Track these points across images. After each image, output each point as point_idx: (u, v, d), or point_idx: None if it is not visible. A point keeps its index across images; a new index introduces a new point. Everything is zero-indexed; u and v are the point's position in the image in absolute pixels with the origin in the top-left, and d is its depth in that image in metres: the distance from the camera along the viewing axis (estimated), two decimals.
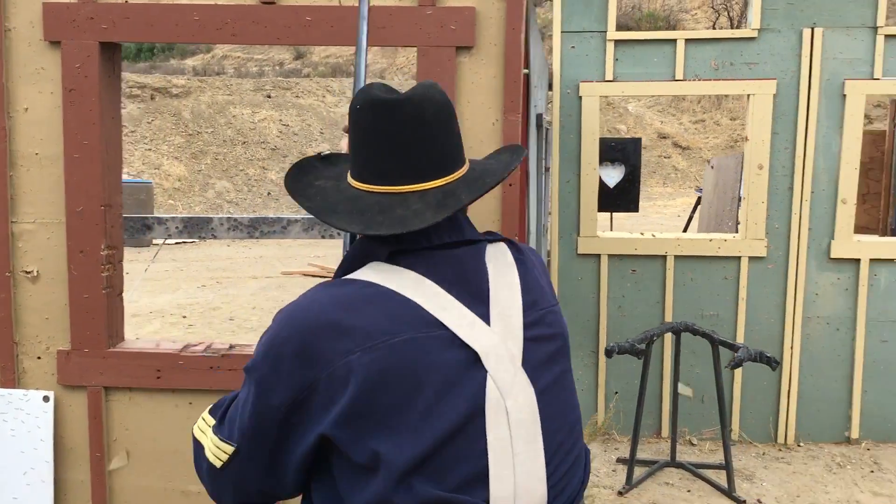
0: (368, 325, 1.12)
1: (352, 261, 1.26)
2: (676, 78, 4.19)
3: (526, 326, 1.23)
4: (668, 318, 4.36)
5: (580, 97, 4.23)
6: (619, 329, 4.41)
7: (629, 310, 4.41)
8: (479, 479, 1.13)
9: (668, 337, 4.31)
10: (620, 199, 6.86)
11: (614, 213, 7.34)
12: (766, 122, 4.14)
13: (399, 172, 1.22)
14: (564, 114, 4.26)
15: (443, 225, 1.23)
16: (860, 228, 6.81)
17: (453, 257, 1.23)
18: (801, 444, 4.34)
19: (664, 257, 4.33)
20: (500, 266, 1.27)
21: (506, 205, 1.93)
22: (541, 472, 1.19)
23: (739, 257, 4.28)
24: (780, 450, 4.28)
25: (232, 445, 1.18)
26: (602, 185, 6.91)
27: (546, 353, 1.24)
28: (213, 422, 1.24)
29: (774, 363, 3.53)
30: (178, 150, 21.01)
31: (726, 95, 23.87)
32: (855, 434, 4.30)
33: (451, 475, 1.11)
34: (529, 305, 1.25)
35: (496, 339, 1.18)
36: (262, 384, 1.15)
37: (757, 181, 4.19)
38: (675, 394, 3.91)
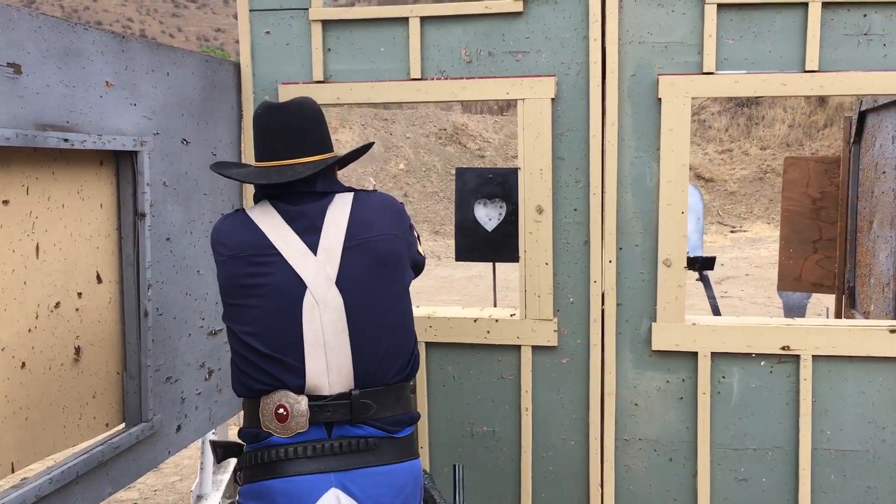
0: (233, 246, 1.94)
1: (254, 199, 2.05)
2: (413, 76, 2.78)
3: (343, 252, 1.91)
4: (423, 436, 2.91)
5: None
6: None
7: None
8: (299, 352, 1.86)
9: None
10: (503, 245, 5.40)
11: (496, 264, 5.85)
12: (543, 142, 2.70)
13: (286, 151, 1.99)
14: None
15: (300, 183, 1.97)
16: (812, 286, 5.22)
17: (302, 204, 1.96)
18: None
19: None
20: (338, 209, 1.96)
21: None
22: (347, 353, 1.88)
23: (519, 347, 2.82)
24: None
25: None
26: (479, 228, 5.48)
27: (360, 274, 1.91)
28: None
29: None
30: None
31: (708, 114, 21.99)
32: None
33: (279, 346, 1.86)
34: (350, 237, 1.93)
35: (318, 265, 1.90)
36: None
37: (536, 232, 2.74)
38: None
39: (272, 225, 1.94)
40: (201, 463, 3.43)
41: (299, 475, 1.82)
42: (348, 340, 1.88)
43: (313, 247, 1.92)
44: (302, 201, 1.97)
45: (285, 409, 1.85)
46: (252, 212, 2.00)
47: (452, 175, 19.23)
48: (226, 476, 3.57)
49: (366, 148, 2.22)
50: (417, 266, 2.13)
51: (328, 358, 1.88)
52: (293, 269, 1.89)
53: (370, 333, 1.91)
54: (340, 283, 1.90)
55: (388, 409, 1.92)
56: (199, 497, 3.39)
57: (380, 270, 1.95)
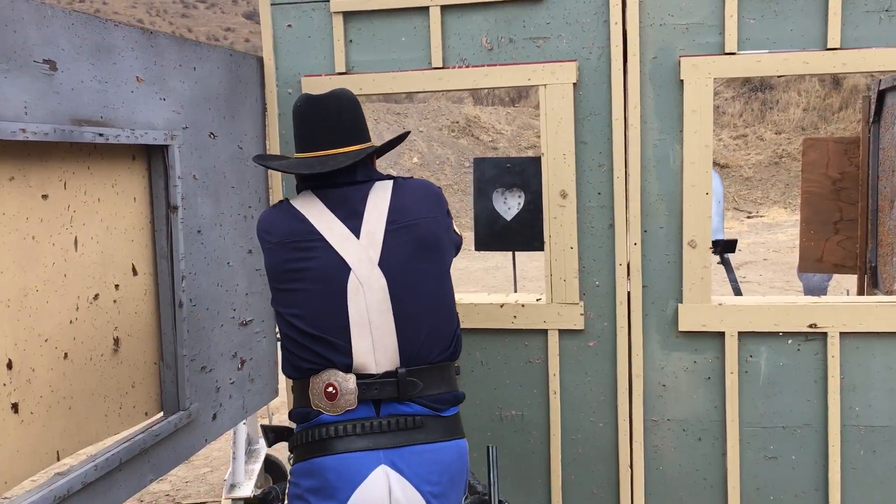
0: (279, 234, 2.01)
1: (297, 189, 2.16)
2: (434, 65, 2.81)
3: (385, 236, 1.98)
4: None
5: None
6: None
7: None
8: (345, 332, 1.93)
9: None
10: (522, 234, 5.42)
11: (517, 253, 5.88)
12: (566, 127, 2.72)
13: (327, 142, 2.06)
14: (287, 124, 2.92)
15: (341, 172, 2.04)
16: (833, 267, 5.21)
17: (343, 191, 2.04)
18: None
19: None
20: (378, 195, 2.03)
21: None
22: (391, 332, 1.94)
23: (546, 331, 2.84)
24: None
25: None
26: (499, 217, 5.51)
27: (402, 256, 1.98)
28: None
29: None
30: None
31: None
32: None
33: (325, 326, 1.93)
34: (391, 221, 1.99)
35: (360, 248, 1.96)
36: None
37: (561, 216, 2.76)
38: None
39: (316, 212, 2.02)
40: (233, 452, 3.49)
41: (349, 452, 1.88)
42: (392, 320, 1.95)
43: (356, 231, 1.99)
44: (343, 189, 2.05)
45: (334, 388, 1.92)
46: (296, 201, 2.08)
47: (466, 167, 19.24)
48: (257, 465, 3.62)
49: (402, 137, 2.29)
50: (457, 246, 2.19)
51: (374, 337, 1.94)
52: (337, 253, 1.96)
53: (413, 313, 1.97)
54: (383, 264, 1.96)
55: (434, 388, 1.98)
56: (233, 486, 3.45)
57: (421, 252, 2.01)
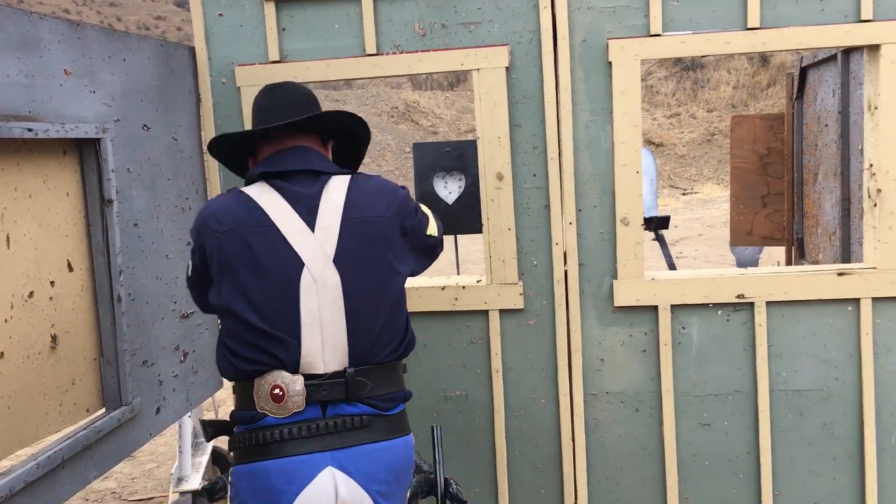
0: (230, 221, 1.94)
1: (248, 180, 2.08)
2: (368, 52, 2.82)
3: (340, 231, 1.94)
4: None
5: (238, 89, 2.87)
6: None
7: None
8: (296, 329, 1.88)
9: None
10: (464, 217, 5.48)
11: (458, 236, 5.94)
12: (500, 111, 2.76)
13: (280, 117, 2.06)
14: (221, 114, 2.91)
15: (298, 161, 2.04)
16: (763, 240, 5.39)
17: (299, 182, 2.00)
18: None
19: None
20: (334, 190, 2.00)
21: None
22: (342, 331, 1.90)
23: (487, 311, 2.90)
24: None
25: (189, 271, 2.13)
26: (440, 202, 5.55)
27: (356, 253, 1.94)
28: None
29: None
30: None
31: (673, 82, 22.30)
32: None
33: (276, 322, 1.87)
34: (346, 217, 1.96)
35: (315, 243, 1.92)
36: (192, 247, 2.05)
37: (498, 199, 2.81)
38: None
39: (270, 201, 1.96)
40: (179, 446, 3.47)
41: (296, 455, 1.84)
42: (344, 318, 1.90)
43: (311, 225, 1.93)
44: (299, 181, 1.99)
45: (281, 390, 1.86)
46: (248, 190, 2.01)
47: (406, 153, 19.23)
48: (204, 458, 3.61)
49: (364, 131, 2.25)
50: (426, 249, 2.17)
51: (324, 336, 1.89)
52: (291, 247, 1.90)
53: (365, 312, 1.93)
54: (338, 261, 1.91)
55: (383, 387, 1.95)
56: (180, 479, 3.43)
57: (375, 250, 1.97)
